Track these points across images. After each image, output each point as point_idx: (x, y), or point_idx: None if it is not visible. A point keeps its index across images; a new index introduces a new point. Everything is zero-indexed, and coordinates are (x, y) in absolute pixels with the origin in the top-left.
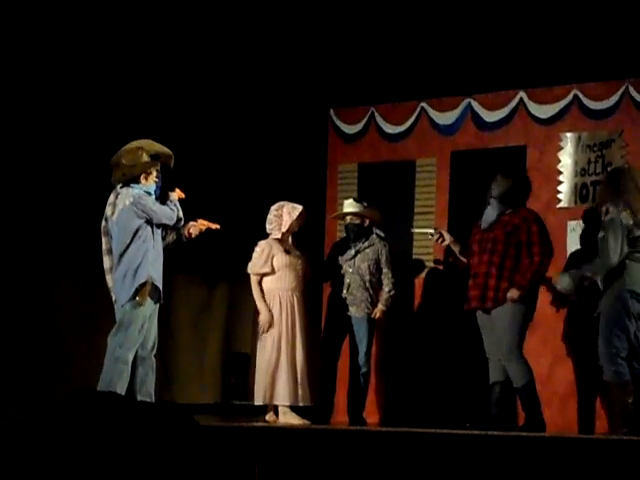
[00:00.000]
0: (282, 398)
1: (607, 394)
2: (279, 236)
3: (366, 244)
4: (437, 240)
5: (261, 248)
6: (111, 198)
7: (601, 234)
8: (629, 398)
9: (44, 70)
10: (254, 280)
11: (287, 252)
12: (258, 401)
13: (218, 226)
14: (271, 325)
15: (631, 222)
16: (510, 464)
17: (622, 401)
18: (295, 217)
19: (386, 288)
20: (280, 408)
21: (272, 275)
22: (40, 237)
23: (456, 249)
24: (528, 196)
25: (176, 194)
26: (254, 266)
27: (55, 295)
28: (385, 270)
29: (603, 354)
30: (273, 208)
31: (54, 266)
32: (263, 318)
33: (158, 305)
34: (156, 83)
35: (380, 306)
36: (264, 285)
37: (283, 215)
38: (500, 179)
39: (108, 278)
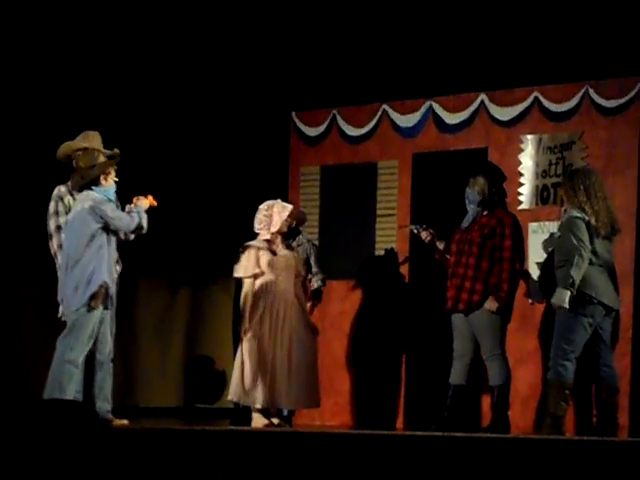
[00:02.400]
0: (284, 402)
1: (546, 391)
2: (268, 236)
3: (294, 244)
4: (421, 235)
5: (248, 250)
6: (57, 204)
7: (557, 233)
8: (562, 400)
9: None
10: (247, 283)
11: (275, 252)
12: (257, 404)
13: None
14: (247, 333)
15: (593, 220)
16: (476, 465)
17: (555, 400)
18: (285, 217)
19: (315, 285)
20: (254, 412)
21: (262, 276)
22: (2, 242)
23: (440, 246)
24: (504, 192)
25: (147, 201)
26: (243, 269)
27: (18, 300)
28: (315, 269)
29: (551, 354)
30: (262, 208)
31: (16, 271)
32: (242, 327)
33: (108, 310)
34: (121, 84)
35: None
36: (256, 287)
37: (273, 215)
38: (471, 183)
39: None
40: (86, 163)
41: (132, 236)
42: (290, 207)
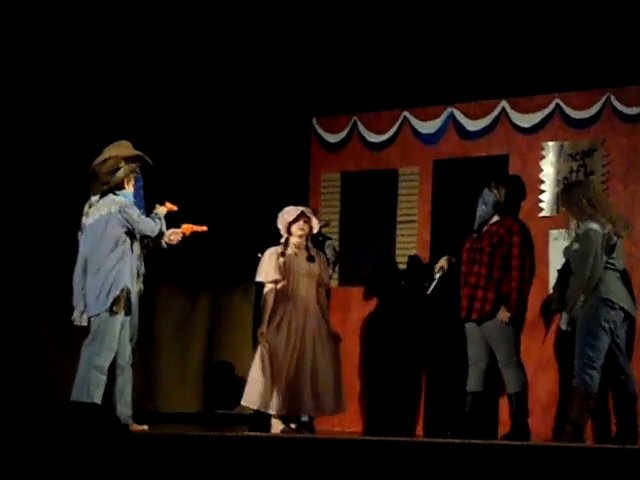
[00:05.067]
0: (303, 409)
1: (570, 398)
2: (283, 240)
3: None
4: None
5: (269, 255)
6: (85, 207)
7: (575, 245)
8: (586, 408)
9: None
10: (267, 288)
11: (297, 257)
12: (272, 410)
13: (205, 228)
14: (263, 337)
15: (610, 227)
16: (495, 472)
17: (579, 409)
18: (285, 223)
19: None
20: (273, 418)
21: (282, 282)
22: (22, 247)
23: (453, 260)
24: (518, 207)
25: (165, 208)
26: (265, 273)
27: (37, 304)
28: (331, 272)
29: (576, 362)
30: (279, 213)
31: (36, 276)
32: (259, 330)
33: (129, 316)
34: (141, 91)
35: None
36: (278, 292)
37: (280, 220)
38: (492, 186)
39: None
40: (108, 169)
41: (163, 243)
42: (294, 211)
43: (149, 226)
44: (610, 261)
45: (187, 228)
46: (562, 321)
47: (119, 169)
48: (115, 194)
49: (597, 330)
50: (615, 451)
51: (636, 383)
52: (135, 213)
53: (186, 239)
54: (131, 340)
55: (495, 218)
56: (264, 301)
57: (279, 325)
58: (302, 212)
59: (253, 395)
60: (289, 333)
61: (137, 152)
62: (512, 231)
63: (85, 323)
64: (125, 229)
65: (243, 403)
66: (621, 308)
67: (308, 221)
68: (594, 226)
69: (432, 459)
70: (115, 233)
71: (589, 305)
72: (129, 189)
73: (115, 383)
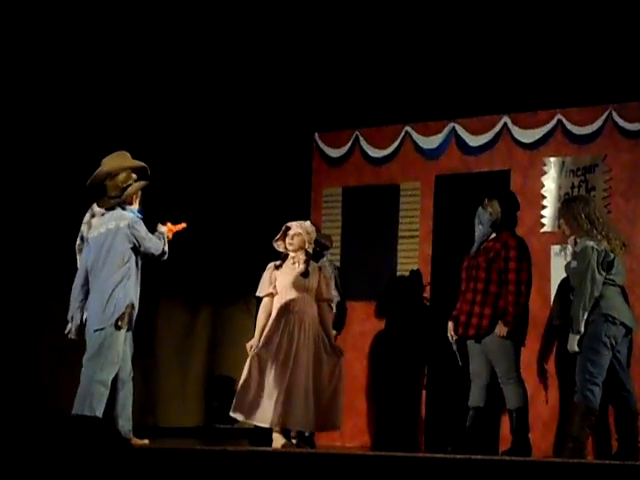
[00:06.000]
0: (299, 424)
1: (571, 414)
2: (294, 254)
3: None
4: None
5: (267, 269)
6: (86, 217)
7: (574, 264)
8: (588, 424)
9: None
10: (264, 301)
11: (293, 271)
12: (265, 424)
13: (184, 225)
14: (252, 350)
15: (605, 244)
16: None
17: (580, 425)
18: (290, 235)
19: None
20: (274, 433)
21: (278, 296)
22: (22, 260)
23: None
24: (515, 221)
25: (167, 228)
26: (260, 288)
27: (37, 317)
28: (335, 293)
29: (578, 377)
30: (301, 226)
31: (37, 288)
32: (251, 343)
33: (130, 331)
34: (144, 104)
35: None
36: (275, 306)
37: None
38: (486, 204)
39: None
40: (121, 183)
41: (164, 257)
42: (293, 225)
43: (155, 244)
44: (609, 277)
45: (169, 230)
46: (570, 343)
47: (130, 185)
48: (123, 209)
49: (598, 346)
50: (616, 467)
51: (636, 399)
52: (143, 230)
53: (186, 254)
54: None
55: (492, 235)
56: (259, 315)
57: (270, 339)
58: (286, 227)
59: (241, 406)
60: (281, 346)
61: (141, 163)
62: (509, 245)
63: (76, 337)
64: (132, 245)
65: (230, 413)
66: (622, 323)
67: (299, 235)
68: (590, 243)
69: (433, 474)
70: (122, 248)
71: (590, 321)
72: (135, 205)
73: (116, 397)
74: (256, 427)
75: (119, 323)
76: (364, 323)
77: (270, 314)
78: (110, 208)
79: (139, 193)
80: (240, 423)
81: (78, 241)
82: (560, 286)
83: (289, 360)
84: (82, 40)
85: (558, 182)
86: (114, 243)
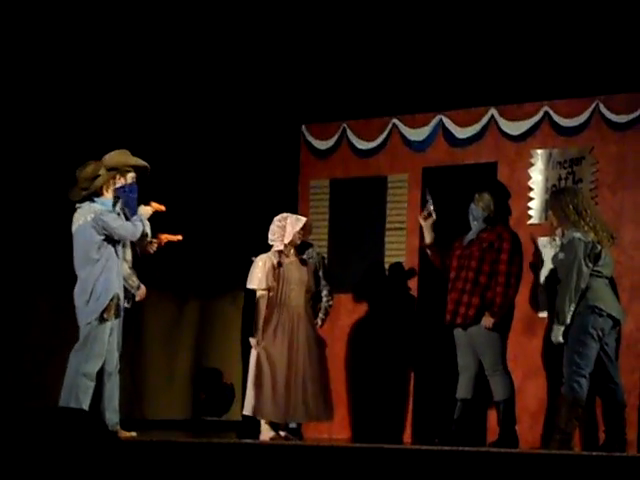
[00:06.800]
0: (295, 416)
1: (558, 406)
2: (281, 247)
3: (304, 257)
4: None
5: (262, 261)
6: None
7: (561, 255)
8: (575, 416)
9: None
10: (260, 295)
11: (289, 265)
12: (272, 418)
13: (180, 237)
14: (259, 345)
15: (592, 235)
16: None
17: (568, 417)
18: (298, 229)
19: (325, 301)
20: (262, 424)
21: (274, 289)
22: (12, 254)
23: (428, 238)
24: (508, 211)
25: (150, 208)
26: (257, 280)
27: (26, 309)
28: (323, 283)
29: (565, 370)
30: (276, 219)
31: (26, 281)
32: (253, 340)
33: (118, 319)
34: (130, 94)
35: (321, 315)
36: (269, 300)
37: (286, 226)
38: (477, 199)
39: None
40: (87, 175)
41: (151, 249)
42: (304, 219)
43: (128, 230)
44: (597, 269)
45: (163, 238)
46: (554, 334)
47: (98, 176)
48: (93, 201)
49: (585, 338)
50: (603, 459)
51: (624, 391)
52: (111, 219)
53: (174, 247)
54: (117, 347)
55: (487, 227)
56: (257, 309)
57: (275, 333)
58: (307, 221)
59: (256, 404)
60: (283, 341)
61: (123, 162)
62: (502, 237)
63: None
64: (103, 236)
65: (245, 413)
66: (609, 315)
67: (305, 230)
68: (577, 235)
69: (420, 466)
70: (94, 240)
71: (577, 313)
72: (108, 195)
73: (103, 390)
74: (244, 419)
75: (105, 315)
76: (351, 315)
77: (267, 307)
78: (81, 200)
79: (111, 184)
80: (228, 415)
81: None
82: (547, 278)
83: (291, 354)
84: (70, 39)
85: (545, 174)
86: (86, 237)
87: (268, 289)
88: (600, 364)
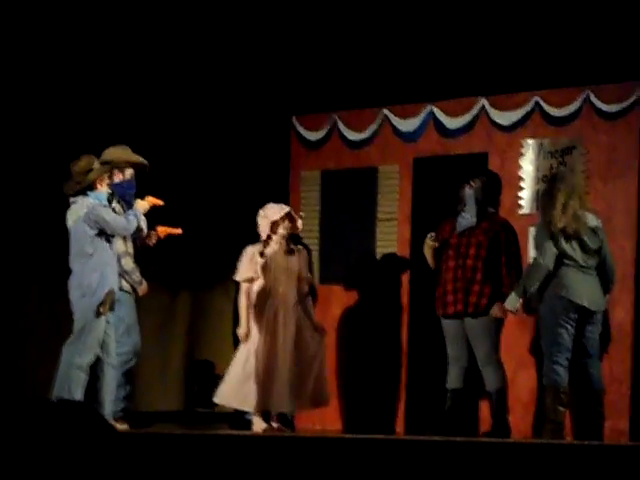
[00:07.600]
0: (280, 406)
1: (544, 398)
2: (264, 238)
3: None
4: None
5: (247, 253)
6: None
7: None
8: (560, 405)
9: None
10: (242, 287)
11: (275, 255)
12: (248, 407)
13: (180, 231)
14: (248, 337)
15: (560, 226)
16: (475, 470)
17: (554, 407)
18: (274, 218)
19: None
20: (254, 416)
21: (260, 280)
22: (5, 247)
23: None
24: (498, 200)
25: (146, 203)
26: (239, 272)
27: (18, 300)
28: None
29: (544, 360)
30: (260, 210)
31: (18, 272)
32: (241, 331)
33: (114, 311)
34: (123, 90)
35: None
36: (254, 290)
37: (267, 216)
38: (477, 182)
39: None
40: (81, 169)
41: (150, 242)
42: (282, 210)
43: (121, 225)
44: (570, 256)
45: (162, 230)
46: (508, 301)
47: (92, 170)
48: (87, 194)
49: (553, 325)
50: (596, 448)
51: (602, 379)
52: (104, 212)
53: (167, 239)
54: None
55: (485, 215)
56: (239, 300)
57: (258, 322)
58: (288, 212)
59: (228, 392)
60: (267, 329)
61: (120, 157)
62: (508, 229)
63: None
64: (96, 230)
65: (216, 400)
66: (571, 302)
67: (293, 221)
68: (540, 221)
69: (412, 457)
70: (88, 234)
71: (546, 303)
72: (102, 189)
73: (99, 382)
74: (236, 411)
75: (100, 309)
76: (343, 306)
77: (253, 298)
78: (75, 194)
79: (105, 178)
80: (220, 407)
81: None
82: None
83: (278, 343)
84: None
85: (536, 164)
86: (80, 231)
87: (251, 280)
88: (577, 352)
